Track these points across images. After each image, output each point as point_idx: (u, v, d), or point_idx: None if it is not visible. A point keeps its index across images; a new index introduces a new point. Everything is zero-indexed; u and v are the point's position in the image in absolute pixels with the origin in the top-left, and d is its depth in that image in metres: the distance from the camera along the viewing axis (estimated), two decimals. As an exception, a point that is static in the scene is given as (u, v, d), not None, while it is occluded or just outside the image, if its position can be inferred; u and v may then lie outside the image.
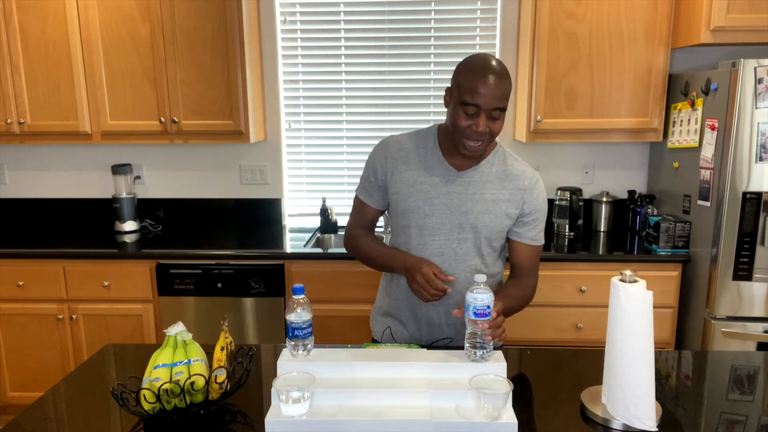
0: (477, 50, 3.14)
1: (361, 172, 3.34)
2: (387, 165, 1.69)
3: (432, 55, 3.16)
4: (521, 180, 1.66)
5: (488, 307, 1.39)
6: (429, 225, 1.65)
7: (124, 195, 3.21)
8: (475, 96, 1.49)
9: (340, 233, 3.23)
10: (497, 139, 1.65)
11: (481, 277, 1.40)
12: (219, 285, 2.81)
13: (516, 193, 1.65)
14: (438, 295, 1.55)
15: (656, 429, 1.26)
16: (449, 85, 1.60)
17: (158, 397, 1.28)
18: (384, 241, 3.12)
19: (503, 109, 1.54)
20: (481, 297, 1.39)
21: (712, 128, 2.49)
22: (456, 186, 1.64)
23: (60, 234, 3.18)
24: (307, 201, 3.38)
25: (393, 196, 1.69)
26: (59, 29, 2.87)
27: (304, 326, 1.40)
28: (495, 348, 1.48)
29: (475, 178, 1.64)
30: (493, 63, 1.52)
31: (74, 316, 2.86)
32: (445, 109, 1.60)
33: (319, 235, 3.20)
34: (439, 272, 1.56)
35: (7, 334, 2.91)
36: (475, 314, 1.39)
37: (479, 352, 1.41)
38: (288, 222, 3.37)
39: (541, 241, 1.73)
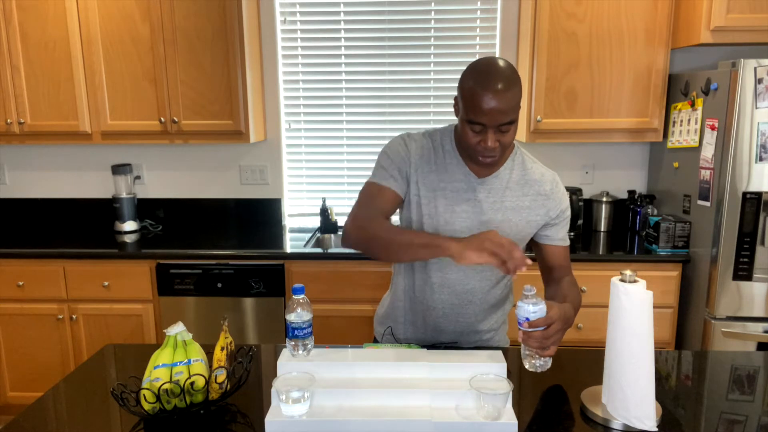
0: (477, 50, 3.14)
1: (361, 172, 3.35)
2: (411, 159, 1.55)
3: (432, 56, 3.16)
4: (542, 185, 1.58)
5: (526, 319, 1.34)
6: (448, 233, 1.54)
7: (124, 195, 3.21)
8: (479, 115, 1.38)
9: (340, 233, 3.23)
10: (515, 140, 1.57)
11: (530, 289, 1.35)
12: (219, 285, 2.81)
13: (537, 199, 1.58)
14: (522, 265, 1.31)
15: (656, 429, 1.26)
16: (453, 88, 1.53)
17: (158, 397, 1.28)
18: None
19: (512, 122, 1.41)
20: (523, 307, 1.34)
21: (712, 128, 2.49)
22: (477, 193, 1.55)
23: (60, 234, 3.18)
24: (307, 201, 3.38)
25: (413, 198, 1.56)
26: (59, 29, 2.87)
27: (304, 326, 1.40)
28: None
29: (496, 185, 1.56)
30: (499, 72, 1.37)
31: (74, 316, 2.86)
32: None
33: (319, 235, 3.20)
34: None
35: (7, 334, 2.91)
36: (519, 324, 1.36)
37: (536, 362, 1.42)
38: (288, 222, 3.37)
39: (568, 241, 1.68)
